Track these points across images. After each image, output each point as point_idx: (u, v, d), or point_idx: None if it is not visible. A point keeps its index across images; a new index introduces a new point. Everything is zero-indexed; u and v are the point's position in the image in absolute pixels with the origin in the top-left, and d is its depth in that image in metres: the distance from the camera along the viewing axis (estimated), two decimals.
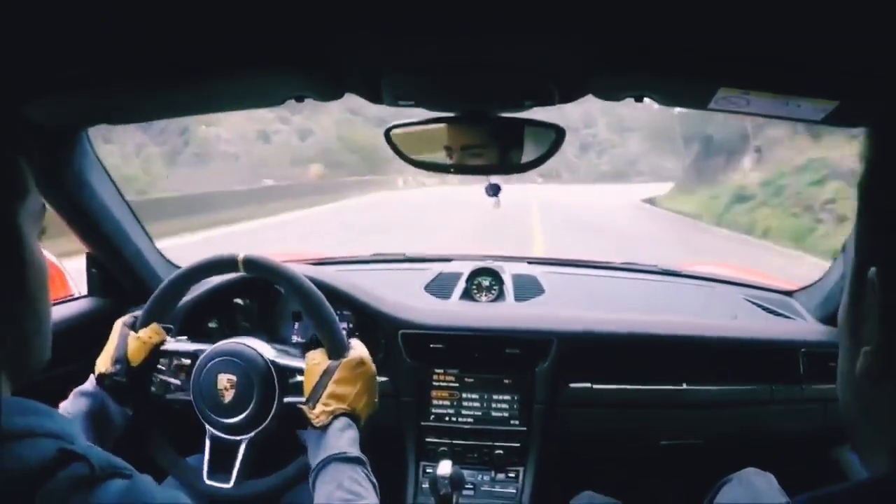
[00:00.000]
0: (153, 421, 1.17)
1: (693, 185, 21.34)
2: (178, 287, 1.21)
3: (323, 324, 1.10)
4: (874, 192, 0.45)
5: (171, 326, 1.25)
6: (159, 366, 1.17)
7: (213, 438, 1.14)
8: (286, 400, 1.11)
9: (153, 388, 1.20)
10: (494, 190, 1.14)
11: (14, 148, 0.56)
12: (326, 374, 1.03)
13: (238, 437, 1.11)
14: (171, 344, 1.18)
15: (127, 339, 1.13)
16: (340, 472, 0.90)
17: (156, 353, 1.16)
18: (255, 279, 1.31)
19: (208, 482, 1.13)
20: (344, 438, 0.96)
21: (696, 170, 22.37)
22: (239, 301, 1.48)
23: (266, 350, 1.14)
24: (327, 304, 1.12)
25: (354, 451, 0.94)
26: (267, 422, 1.10)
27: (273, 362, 1.12)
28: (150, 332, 1.15)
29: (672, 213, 18.34)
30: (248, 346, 1.14)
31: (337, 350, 1.07)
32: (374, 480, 0.93)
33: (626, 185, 36.30)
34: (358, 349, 1.08)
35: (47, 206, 0.62)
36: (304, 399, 1.04)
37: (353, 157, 31.51)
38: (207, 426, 1.13)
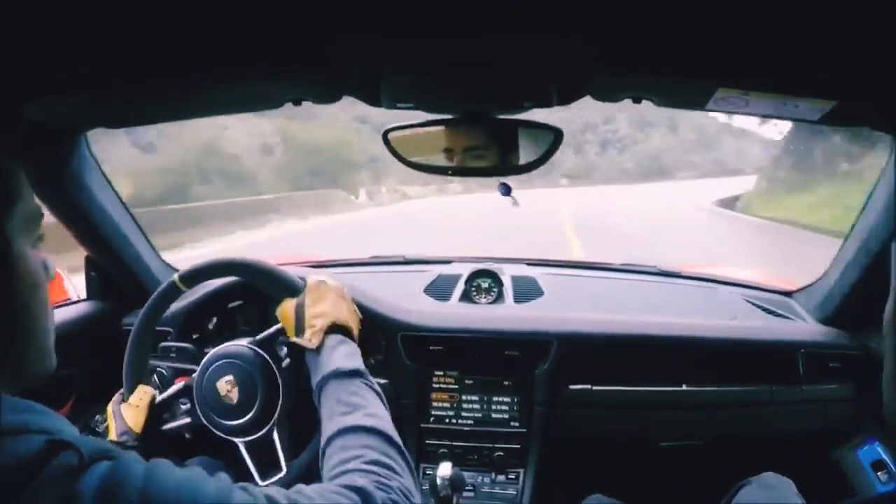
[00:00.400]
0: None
1: (794, 180, 15.28)
2: (142, 342, 1.21)
3: (268, 277, 1.14)
4: None
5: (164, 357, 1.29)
6: (165, 419, 1.18)
7: (247, 445, 1.14)
8: (285, 365, 1.13)
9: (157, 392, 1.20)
10: (506, 189, 1.14)
11: (4, 155, 0.55)
12: (298, 307, 1.05)
13: (266, 429, 1.12)
14: (162, 396, 1.19)
15: (121, 412, 1.13)
16: (338, 387, 0.91)
17: (153, 409, 1.16)
18: (248, 284, 1.31)
19: (263, 483, 1.13)
20: (337, 354, 0.97)
21: (794, 157, 16.09)
22: (238, 304, 1.48)
23: (246, 340, 1.16)
24: (263, 261, 1.15)
25: (349, 364, 0.95)
26: (282, 400, 1.12)
27: (255, 342, 1.14)
28: (139, 395, 1.15)
29: (798, 230, 11.41)
30: (232, 344, 1.15)
31: (294, 288, 1.10)
32: (378, 388, 0.93)
33: (669, 182, 31.78)
34: (312, 276, 1.11)
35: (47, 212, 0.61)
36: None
37: (308, 161, 22.71)
38: (235, 439, 1.13)
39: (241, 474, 1.15)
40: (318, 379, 0.94)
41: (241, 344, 1.15)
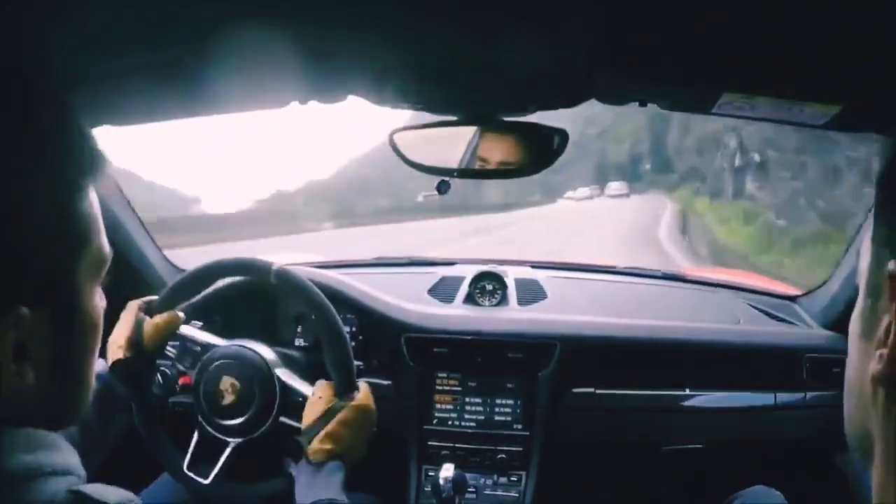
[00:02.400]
0: (152, 403, 1.20)
1: None
2: (203, 278, 1.22)
3: (339, 359, 1.10)
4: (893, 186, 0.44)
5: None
6: (168, 348, 1.19)
7: (203, 433, 1.16)
8: (282, 419, 1.13)
9: (155, 389, 1.21)
10: (446, 187, 1.14)
11: (77, 197, 0.52)
12: (331, 411, 1.01)
13: (227, 439, 1.14)
14: (186, 329, 1.20)
15: (143, 324, 1.12)
16: None
17: (168, 337, 1.17)
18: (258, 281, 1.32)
19: (186, 472, 1.16)
20: (335, 482, 0.96)
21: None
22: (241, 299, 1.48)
23: (273, 359, 1.16)
24: (347, 338, 1.12)
25: (343, 499, 0.94)
26: (258, 433, 1.13)
27: (279, 378, 1.14)
28: (168, 318, 1.14)
29: None
30: (257, 353, 1.16)
31: (346, 389, 1.07)
32: None
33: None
34: (365, 393, 1.08)
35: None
36: (299, 424, 1.06)
37: None
38: (200, 420, 1.16)
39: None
40: (311, 497, 0.93)
41: (271, 365, 1.15)
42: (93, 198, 0.54)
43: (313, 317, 1.12)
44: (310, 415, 1.03)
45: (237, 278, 1.40)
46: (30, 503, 0.45)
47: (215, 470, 1.15)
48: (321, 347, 1.25)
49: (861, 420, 0.47)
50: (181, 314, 1.17)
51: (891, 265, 0.42)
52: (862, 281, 0.47)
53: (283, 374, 1.15)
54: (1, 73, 0.49)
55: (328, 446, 0.97)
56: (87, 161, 0.53)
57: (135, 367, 1.09)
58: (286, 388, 1.13)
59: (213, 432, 1.14)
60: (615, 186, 36.46)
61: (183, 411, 1.24)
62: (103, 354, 1.09)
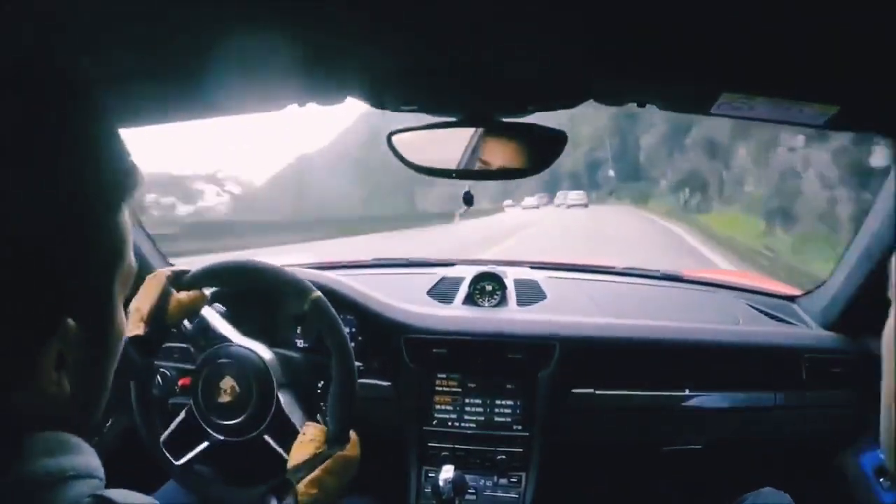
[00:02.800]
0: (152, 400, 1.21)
1: None
2: (242, 275, 1.21)
3: (340, 411, 1.10)
4: None
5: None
6: (185, 324, 1.18)
7: (189, 417, 1.17)
8: (266, 437, 1.14)
9: (155, 391, 1.21)
10: (469, 198, 1.14)
11: (118, 210, 0.54)
12: (320, 457, 1.02)
13: (210, 431, 1.15)
14: (207, 311, 1.19)
15: (169, 297, 1.11)
16: None
17: (189, 316, 1.17)
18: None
19: (161, 447, 1.18)
20: None
21: None
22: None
23: (280, 380, 1.17)
24: (356, 391, 1.12)
25: None
26: (239, 439, 1.14)
27: (278, 399, 1.14)
28: (195, 297, 1.14)
29: None
30: (266, 367, 1.16)
31: (338, 439, 1.07)
32: None
33: None
34: (353, 443, 1.09)
35: None
36: (279, 448, 1.09)
37: None
38: (191, 404, 1.16)
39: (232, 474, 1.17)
40: None
41: (278, 388, 1.16)
42: (127, 212, 0.55)
43: (333, 360, 1.12)
44: (298, 454, 1.03)
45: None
46: None
47: (188, 456, 1.16)
48: (321, 349, 1.25)
49: None
50: (207, 294, 1.17)
51: None
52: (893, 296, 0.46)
53: (284, 400, 1.15)
54: (50, 79, 0.49)
55: (314, 491, 0.99)
56: (127, 173, 0.54)
57: (151, 340, 1.08)
58: (281, 413, 1.14)
59: (200, 421, 1.15)
60: (573, 196, 30.69)
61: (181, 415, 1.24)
62: None
